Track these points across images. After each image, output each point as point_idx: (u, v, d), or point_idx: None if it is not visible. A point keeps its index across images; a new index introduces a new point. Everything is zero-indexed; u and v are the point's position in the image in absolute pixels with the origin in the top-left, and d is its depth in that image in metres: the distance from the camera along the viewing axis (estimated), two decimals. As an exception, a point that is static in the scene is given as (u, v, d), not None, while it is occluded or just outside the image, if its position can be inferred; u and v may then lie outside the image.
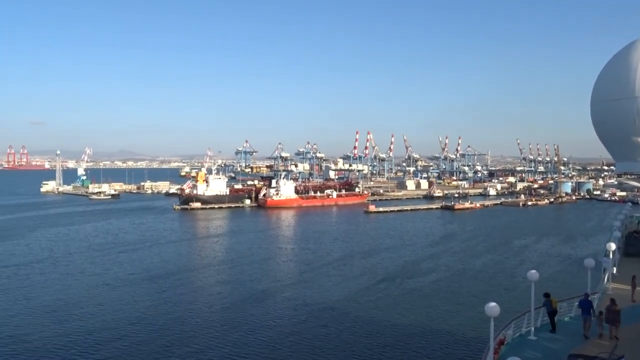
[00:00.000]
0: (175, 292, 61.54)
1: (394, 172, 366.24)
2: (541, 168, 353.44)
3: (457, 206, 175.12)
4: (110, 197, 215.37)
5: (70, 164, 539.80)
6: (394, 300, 58.62)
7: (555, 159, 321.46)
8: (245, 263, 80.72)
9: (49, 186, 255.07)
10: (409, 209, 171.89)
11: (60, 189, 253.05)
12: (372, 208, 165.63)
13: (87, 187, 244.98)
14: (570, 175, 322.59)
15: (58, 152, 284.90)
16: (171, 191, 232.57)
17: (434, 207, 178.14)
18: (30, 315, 52.00)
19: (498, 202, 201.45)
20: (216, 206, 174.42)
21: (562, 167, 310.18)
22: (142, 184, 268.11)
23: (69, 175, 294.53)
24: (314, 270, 74.87)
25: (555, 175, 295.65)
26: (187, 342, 44.10)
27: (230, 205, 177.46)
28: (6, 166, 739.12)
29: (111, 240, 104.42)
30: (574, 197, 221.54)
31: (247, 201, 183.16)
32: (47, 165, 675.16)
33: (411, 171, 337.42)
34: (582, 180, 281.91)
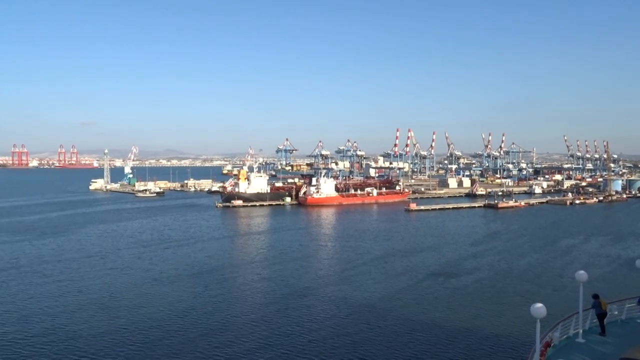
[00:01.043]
0: (218, 288, 62.80)
1: (435, 169, 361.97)
2: (590, 165, 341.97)
3: (501, 205, 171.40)
4: (155, 194, 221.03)
5: (118, 163, 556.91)
6: (436, 299, 58.05)
7: (605, 156, 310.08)
8: (287, 260, 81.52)
9: (97, 184, 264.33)
10: (450, 207, 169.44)
11: (108, 186, 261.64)
12: (413, 206, 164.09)
13: (134, 185, 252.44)
14: (620, 172, 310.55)
15: (106, 151, 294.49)
16: (213, 189, 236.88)
17: (476, 205, 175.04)
18: (81, 308, 54.16)
19: (544, 200, 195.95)
20: (257, 204, 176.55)
21: (612, 165, 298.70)
22: (186, 182, 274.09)
23: (116, 174, 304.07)
24: (355, 268, 74.89)
25: (604, 173, 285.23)
26: (230, 336, 44.98)
27: (271, 203, 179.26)
28: (57, 165, 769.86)
29: (157, 236, 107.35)
30: (624, 196, 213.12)
31: (288, 199, 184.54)
32: (95, 164, 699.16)
33: (453, 169, 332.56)
34: (633, 178, 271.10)
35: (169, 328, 47.48)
